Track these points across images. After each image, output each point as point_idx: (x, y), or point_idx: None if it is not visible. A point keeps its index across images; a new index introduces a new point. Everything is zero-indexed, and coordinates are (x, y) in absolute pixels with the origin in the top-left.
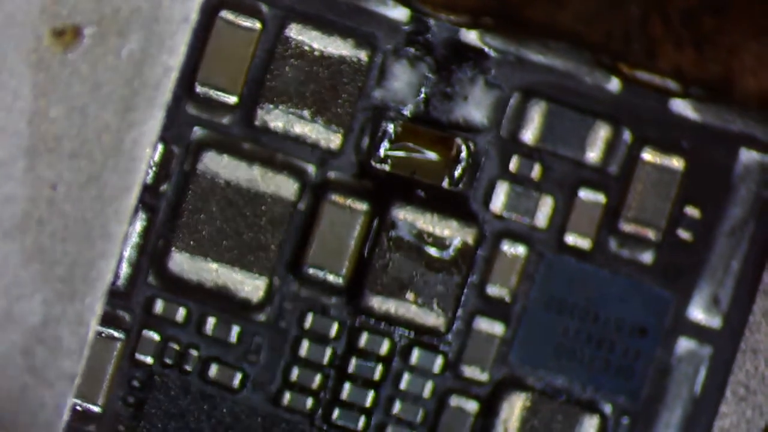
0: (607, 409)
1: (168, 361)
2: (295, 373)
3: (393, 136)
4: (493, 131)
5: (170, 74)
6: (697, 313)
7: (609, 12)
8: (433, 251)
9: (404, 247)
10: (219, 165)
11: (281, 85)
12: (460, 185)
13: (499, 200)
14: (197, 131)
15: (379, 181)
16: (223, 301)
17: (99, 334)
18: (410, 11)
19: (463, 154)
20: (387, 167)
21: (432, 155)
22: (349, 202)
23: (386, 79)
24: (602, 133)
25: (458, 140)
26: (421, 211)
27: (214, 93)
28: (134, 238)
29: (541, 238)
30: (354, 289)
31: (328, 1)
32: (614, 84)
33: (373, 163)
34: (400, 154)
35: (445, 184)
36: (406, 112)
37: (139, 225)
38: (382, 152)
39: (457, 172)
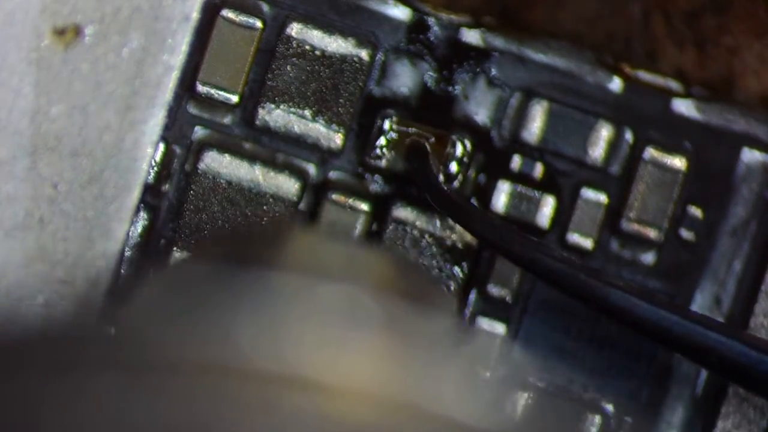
0: (609, 408)
1: None
2: None
3: (390, 133)
4: (494, 130)
5: (171, 73)
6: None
7: (610, 12)
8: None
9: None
10: (220, 165)
11: (282, 84)
12: (455, 183)
13: (500, 200)
14: (198, 131)
15: (379, 180)
16: None
17: None
18: (411, 10)
19: (459, 152)
20: (383, 164)
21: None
22: (349, 201)
23: (387, 78)
24: (604, 132)
25: (453, 137)
26: (421, 210)
27: (215, 92)
28: (135, 238)
29: (543, 238)
30: None
31: (329, 0)
32: (616, 84)
33: (369, 161)
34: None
35: (440, 180)
36: (406, 110)
37: (140, 225)
38: (378, 149)
39: (453, 169)
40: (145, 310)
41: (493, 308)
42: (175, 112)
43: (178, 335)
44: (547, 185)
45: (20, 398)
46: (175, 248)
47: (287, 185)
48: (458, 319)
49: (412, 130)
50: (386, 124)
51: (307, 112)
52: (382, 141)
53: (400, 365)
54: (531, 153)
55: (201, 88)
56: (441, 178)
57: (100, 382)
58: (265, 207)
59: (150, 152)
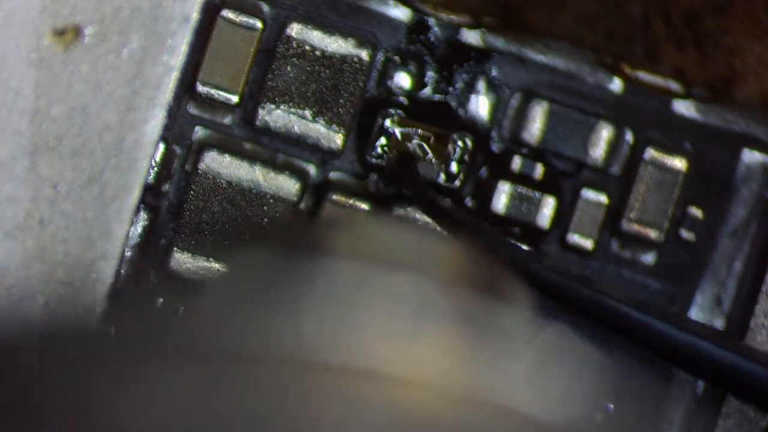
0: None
1: None
2: None
3: (391, 133)
4: (494, 131)
5: (171, 74)
6: (699, 313)
7: (611, 12)
8: None
9: None
10: (221, 165)
11: (282, 84)
12: (456, 182)
13: (501, 200)
14: (199, 131)
15: (379, 180)
16: None
17: None
18: (411, 11)
19: (459, 151)
20: (384, 163)
21: (429, 153)
22: (350, 202)
23: (387, 78)
24: (604, 133)
25: (454, 136)
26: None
27: (215, 92)
28: (135, 238)
29: (543, 238)
30: None
31: (329, 0)
32: (616, 84)
33: (369, 160)
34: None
35: (441, 180)
36: (407, 110)
37: (140, 225)
38: (378, 148)
39: (453, 169)
40: (208, 299)
41: None
42: (175, 112)
43: (239, 325)
44: (547, 186)
45: (70, 388)
46: (175, 248)
47: (287, 185)
48: (530, 313)
49: (413, 129)
50: (387, 123)
51: (308, 113)
52: (382, 140)
53: (468, 359)
54: (531, 154)
55: (201, 89)
56: (442, 177)
57: (153, 371)
58: (265, 207)
59: (150, 152)
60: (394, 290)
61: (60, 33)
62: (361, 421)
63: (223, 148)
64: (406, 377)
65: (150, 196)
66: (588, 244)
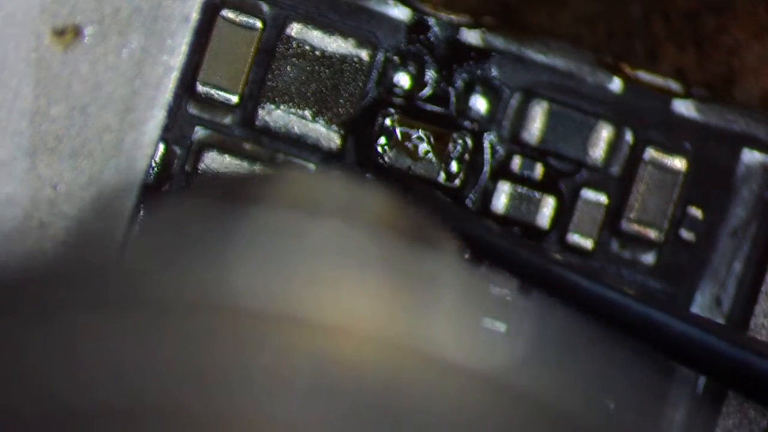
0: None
1: None
2: None
3: (391, 132)
4: (494, 131)
5: (171, 74)
6: (699, 313)
7: (610, 12)
8: None
9: None
10: (221, 165)
11: (282, 84)
12: (457, 181)
13: (500, 200)
14: (198, 131)
15: (378, 178)
16: None
17: None
18: (411, 11)
19: (459, 149)
20: (384, 163)
21: (429, 152)
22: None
23: (387, 78)
24: (604, 133)
25: (454, 135)
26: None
27: (215, 92)
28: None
29: (543, 238)
30: None
31: (329, 0)
32: (616, 84)
33: (369, 160)
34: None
35: (441, 179)
36: (407, 110)
37: (140, 226)
38: (379, 148)
39: (453, 168)
40: (141, 250)
41: (494, 309)
42: (175, 112)
43: (171, 275)
44: (547, 186)
45: (7, 338)
46: None
47: None
48: (457, 260)
49: (412, 129)
50: (387, 123)
51: (308, 113)
52: (382, 140)
53: (395, 304)
54: (531, 154)
55: (201, 89)
56: (442, 176)
57: (90, 321)
58: None
59: (150, 153)
60: (322, 237)
61: (60, 33)
62: (289, 367)
63: (223, 149)
64: (334, 324)
65: (150, 196)
66: (588, 244)
